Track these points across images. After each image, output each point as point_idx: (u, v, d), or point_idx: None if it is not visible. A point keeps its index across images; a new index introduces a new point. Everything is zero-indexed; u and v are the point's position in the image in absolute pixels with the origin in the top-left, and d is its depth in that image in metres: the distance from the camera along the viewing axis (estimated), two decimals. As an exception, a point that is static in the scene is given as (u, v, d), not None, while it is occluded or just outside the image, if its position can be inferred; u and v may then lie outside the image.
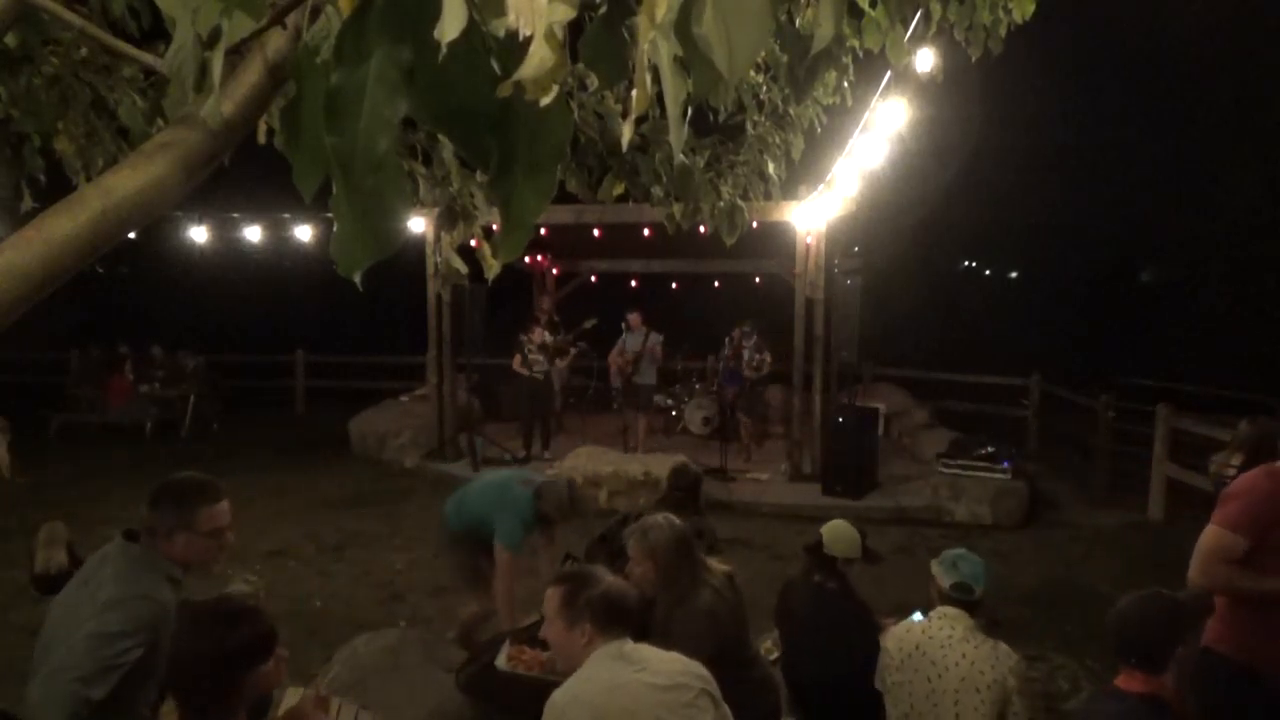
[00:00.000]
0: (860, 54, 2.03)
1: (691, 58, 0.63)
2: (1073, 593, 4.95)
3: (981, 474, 6.57)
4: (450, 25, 0.58)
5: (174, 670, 1.64)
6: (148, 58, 0.95)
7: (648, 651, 1.82)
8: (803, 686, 2.84)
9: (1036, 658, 3.98)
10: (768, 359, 7.84)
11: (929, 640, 2.28)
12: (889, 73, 3.60)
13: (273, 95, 0.93)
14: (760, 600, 4.03)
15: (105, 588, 1.86)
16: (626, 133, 0.73)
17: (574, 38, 0.75)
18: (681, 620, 2.29)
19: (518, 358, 7.88)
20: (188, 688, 1.62)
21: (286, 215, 8.53)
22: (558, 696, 1.75)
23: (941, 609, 2.35)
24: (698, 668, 1.82)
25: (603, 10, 0.78)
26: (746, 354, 7.93)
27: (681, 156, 1.96)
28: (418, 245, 7.64)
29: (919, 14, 1.98)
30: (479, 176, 2.03)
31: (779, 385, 8.91)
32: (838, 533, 2.83)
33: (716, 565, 2.63)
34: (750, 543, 5.71)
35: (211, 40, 0.78)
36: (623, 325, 8.24)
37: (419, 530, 6.07)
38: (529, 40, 0.60)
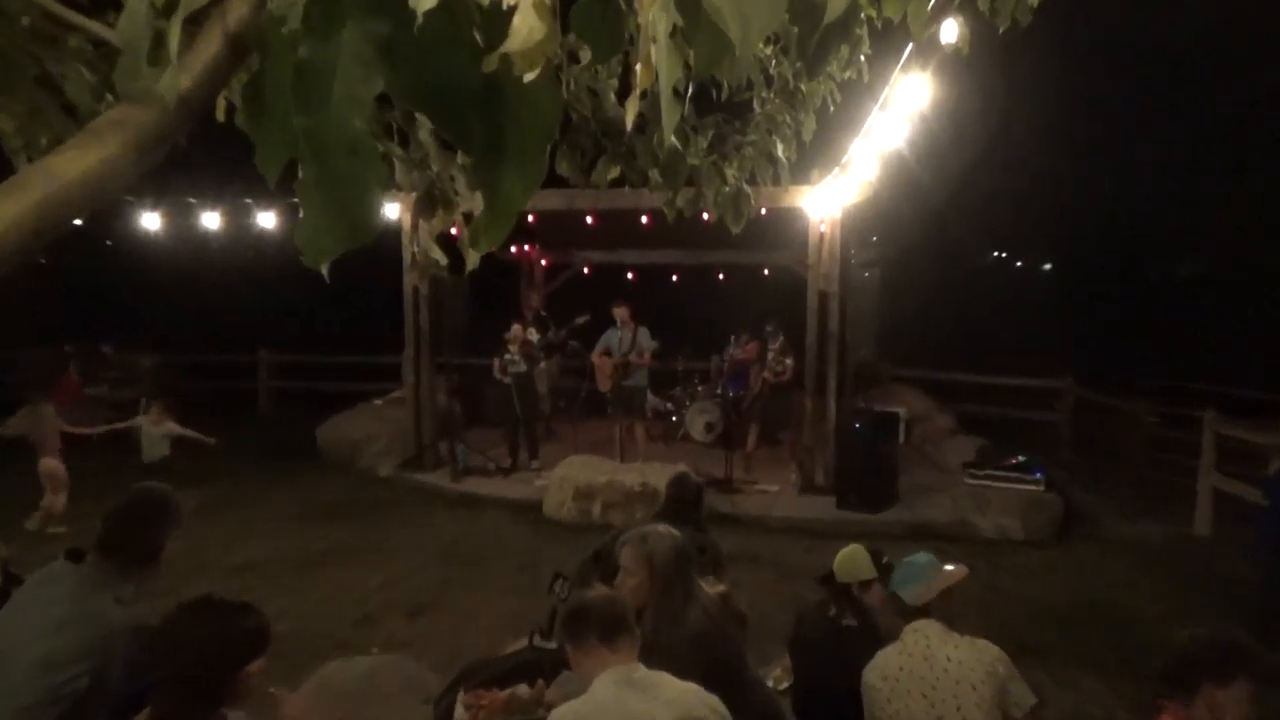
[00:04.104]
0: (879, 24, 2.03)
1: (693, 29, 0.63)
2: (1110, 614, 4.97)
3: (1011, 485, 6.58)
4: (428, -7, 0.59)
5: (163, 664, 1.64)
6: (97, 27, 0.95)
7: (661, 679, 1.83)
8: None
9: (1068, 685, 4.00)
10: (790, 364, 7.83)
11: (909, 658, 2.34)
12: (910, 45, 3.60)
13: (234, 69, 0.93)
14: (767, 621, 4.04)
15: (51, 612, 1.86)
16: (630, 112, 0.73)
17: (564, 6, 0.75)
18: (667, 639, 2.31)
19: (496, 362, 7.88)
20: (178, 682, 1.62)
21: (248, 201, 8.52)
22: (559, 716, 1.77)
23: (910, 625, 2.42)
24: (714, 701, 1.84)
25: (596, -24, 0.78)
26: (770, 356, 7.94)
27: (672, 139, 1.95)
28: (393, 234, 7.64)
29: (943, -20, 1.98)
30: (461, 158, 2.03)
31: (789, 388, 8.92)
32: (846, 557, 2.85)
33: (710, 586, 2.64)
34: (757, 559, 5.72)
35: (168, 8, 0.78)
36: (619, 321, 8.21)
37: (395, 545, 6.08)
38: (515, 9, 0.60)
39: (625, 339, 7.81)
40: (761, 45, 2.31)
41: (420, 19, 0.60)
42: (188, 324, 14.95)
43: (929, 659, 2.30)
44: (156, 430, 7.02)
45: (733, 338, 8.56)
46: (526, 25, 0.60)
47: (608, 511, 6.56)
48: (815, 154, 6.40)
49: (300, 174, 0.69)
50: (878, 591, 2.81)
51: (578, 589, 2.29)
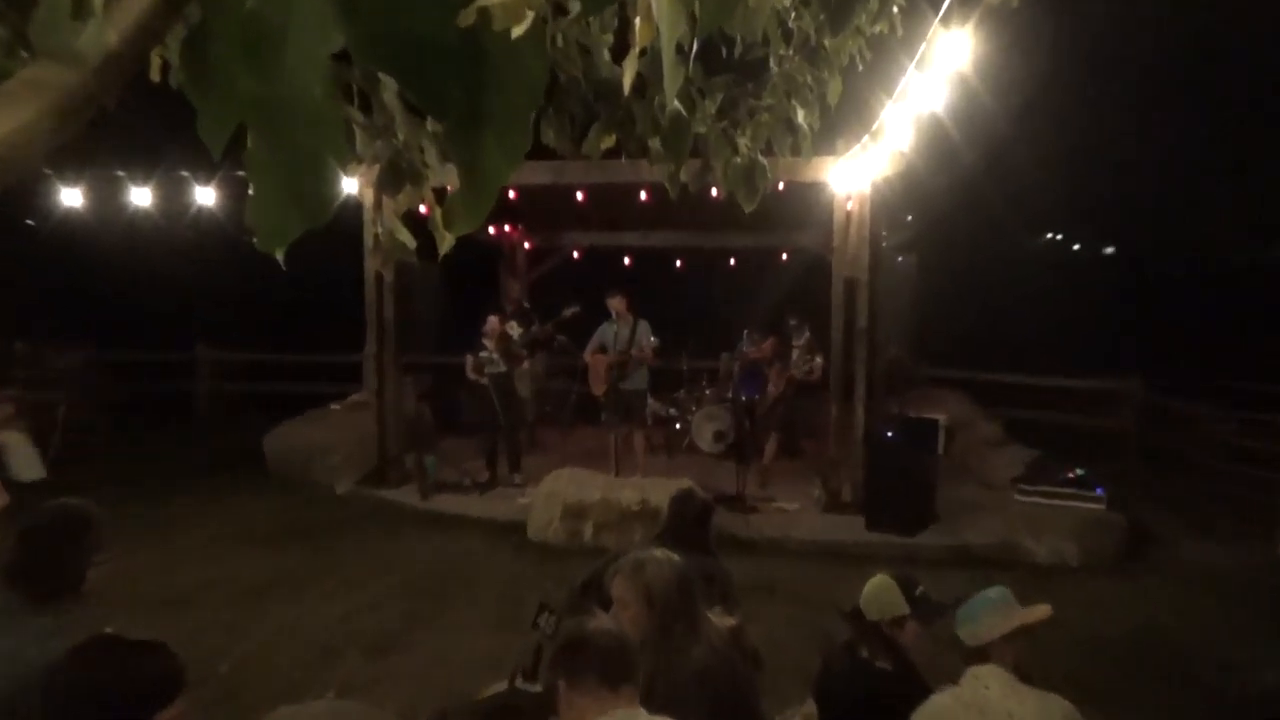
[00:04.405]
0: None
1: (701, -23, 0.63)
2: (1183, 652, 4.98)
3: (1068, 502, 6.59)
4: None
5: (60, 716, 1.64)
6: (11, -26, 0.95)
7: None
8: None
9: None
10: (819, 362, 7.84)
11: (963, 707, 2.31)
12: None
13: (170, 22, 0.93)
14: (785, 659, 4.05)
15: None
16: (627, 72, 0.73)
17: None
18: (666, 679, 2.31)
19: (470, 360, 7.88)
20: None
21: (185, 174, 8.51)
22: None
23: (971, 670, 2.39)
24: None
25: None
26: (795, 355, 7.96)
27: (676, 102, 1.95)
28: (353, 213, 7.64)
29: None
30: (431, 126, 2.03)
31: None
32: (873, 591, 2.84)
33: (719, 619, 2.64)
34: (774, 589, 5.74)
35: (93, -49, 0.78)
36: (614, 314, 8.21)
37: (355, 573, 6.08)
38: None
39: (622, 334, 7.80)
40: (779, -5, 2.31)
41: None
42: (115, 316, 14.93)
43: (984, 712, 2.26)
44: (11, 443, 6.99)
45: (746, 333, 8.56)
46: (509, -27, 0.60)
47: (601, 533, 6.56)
48: (841, 120, 6.42)
49: (249, 144, 0.69)
50: (912, 628, 2.81)
51: (569, 621, 2.28)
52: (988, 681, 2.32)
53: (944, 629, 2.73)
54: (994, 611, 2.45)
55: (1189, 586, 6.02)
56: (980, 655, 2.39)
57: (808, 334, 7.99)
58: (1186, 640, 5.14)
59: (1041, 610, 2.47)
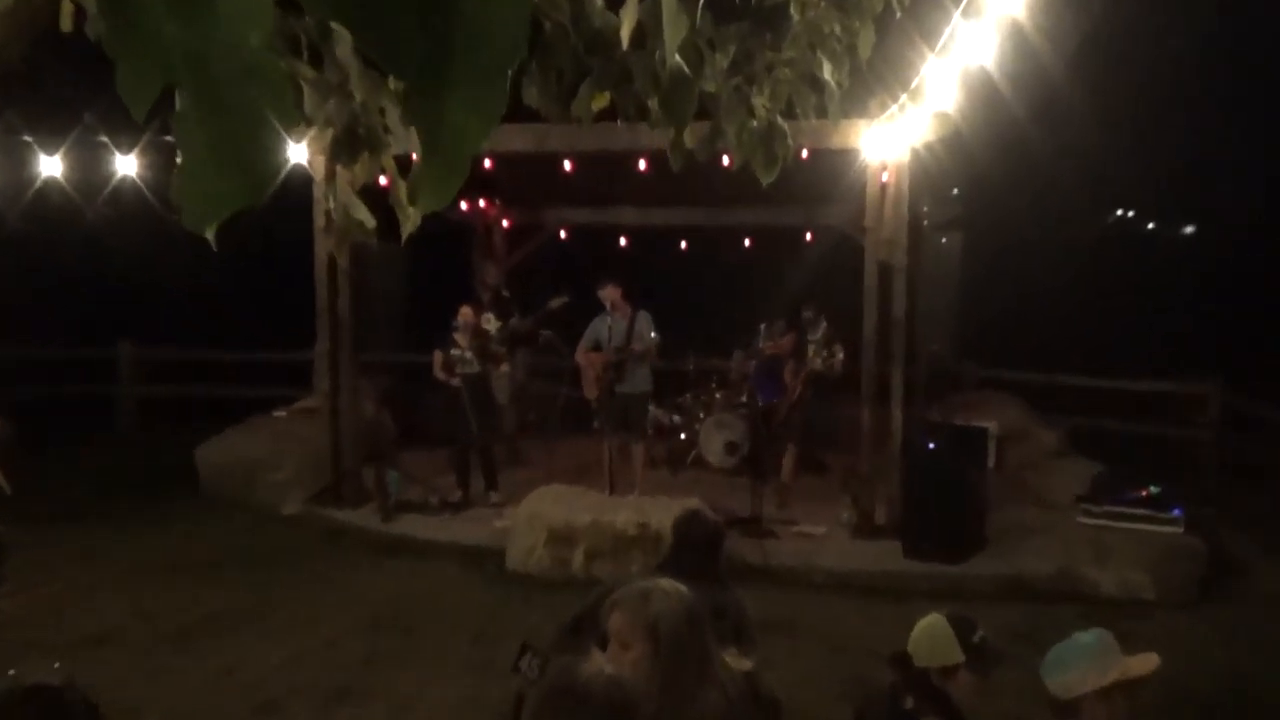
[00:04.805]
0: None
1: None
2: (1273, 701, 4.98)
3: (1140, 525, 6.60)
4: None
5: None
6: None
7: None
8: None
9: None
10: (840, 357, 7.86)
11: None
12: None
13: (86, -38, 0.93)
14: (809, 709, 4.06)
15: None
16: (625, 23, 0.73)
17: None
18: None
19: (438, 358, 7.87)
20: None
21: (103, 139, 8.50)
22: None
23: None
24: None
25: None
26: (811, 349, 7.97)
27: (679, 57, 1.95)
28: (301, 185, 7.63)
29: None
30: (393, 83, 2.03)
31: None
32: (923, 633, 2.83)
33: (733, 661, 2.65)
34: (796, 626, 5.74)
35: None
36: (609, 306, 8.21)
37: (305, 609, 6.09)
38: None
39: (619, 329, 7.79)
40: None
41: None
42: (17, 306, 14.91)
43: None
44: None
45: (763, 326, 8.57)
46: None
47: (593, 562, 6.57)
48: (874, 77, 6.42)
49: (179, 104, 0.69)
50: (965, 678, 2.80)
51: (558, 662, 2.29)
52: None
53: (999, 678, 2.73)
54: (1090, 659, 2.42)
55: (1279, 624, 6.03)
56: (1070, 711, 2.37)
57: (825, 326, 8.01)
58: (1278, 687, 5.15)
59: (1148, 661, 2.43)
